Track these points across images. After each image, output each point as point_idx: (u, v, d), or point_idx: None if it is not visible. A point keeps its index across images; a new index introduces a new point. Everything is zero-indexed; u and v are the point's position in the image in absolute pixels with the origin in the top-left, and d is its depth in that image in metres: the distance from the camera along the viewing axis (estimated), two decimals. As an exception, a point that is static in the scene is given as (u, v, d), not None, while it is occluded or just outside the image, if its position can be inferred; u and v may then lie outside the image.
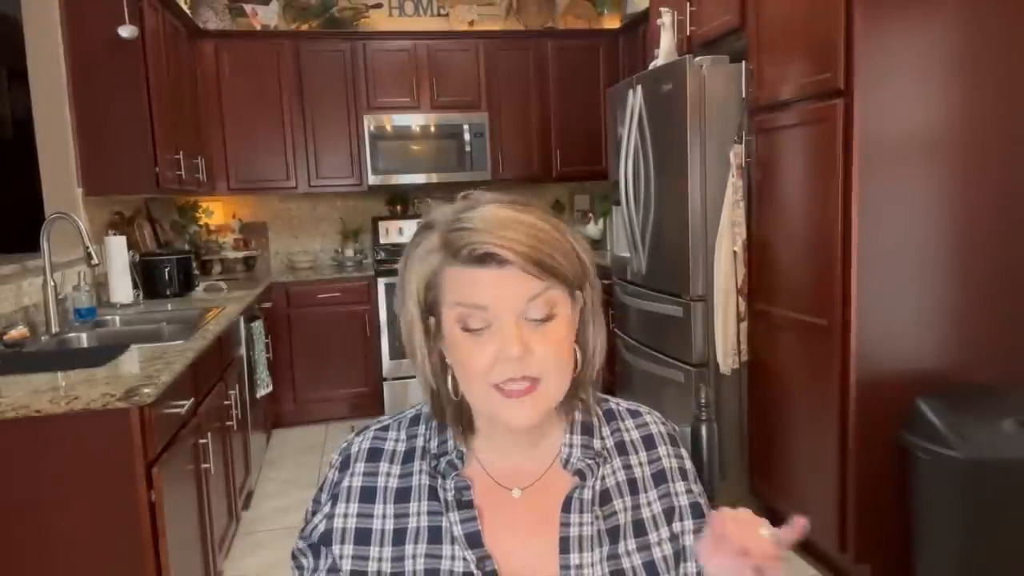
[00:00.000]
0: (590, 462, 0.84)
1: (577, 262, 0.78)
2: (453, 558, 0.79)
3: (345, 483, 0.84)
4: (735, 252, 2.61)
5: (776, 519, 0.70)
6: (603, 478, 0.84)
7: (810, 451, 2.39)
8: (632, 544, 0.82)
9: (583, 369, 0.82)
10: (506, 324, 0.73)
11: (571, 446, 0.84)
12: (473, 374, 0.75)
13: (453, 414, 0.82)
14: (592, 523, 0.81)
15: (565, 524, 0.81)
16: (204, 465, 2.22)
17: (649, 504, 0.84)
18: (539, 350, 0.74)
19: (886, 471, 2.16)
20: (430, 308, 0.78)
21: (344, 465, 0.85)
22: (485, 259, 0.72)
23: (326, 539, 0.82)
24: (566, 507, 0.81)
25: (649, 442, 0.88)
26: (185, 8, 3.95)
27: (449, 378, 0.80)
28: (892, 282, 2.16)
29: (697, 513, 0.85)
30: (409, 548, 0.80)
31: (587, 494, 0.82)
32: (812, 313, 2.32)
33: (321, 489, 0.86)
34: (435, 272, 0.76)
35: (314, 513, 0.85)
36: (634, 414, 0.90)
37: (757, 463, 2.73)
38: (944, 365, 2.20)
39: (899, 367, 2.18)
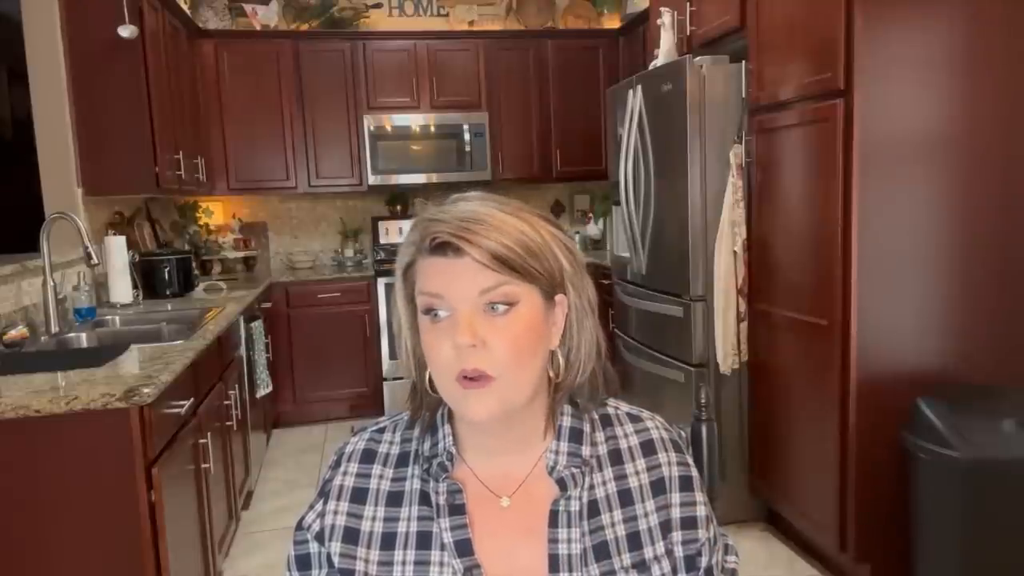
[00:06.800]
0: (575, 471, 0.81)
1: (552, 263, 0.77)
2: (442, 564, 0.78)
3: (336, 481, 0.84)
4: (735, 252, 2.61)
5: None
6: (591, 488, 0.81)
7: (810, 451, 2.39)
8: (627, 559, 0.79)
9: (566, 373, 0.81)
10: (461, 314, 0.74)
11: (557, 453, 0.81)
12: (437, 365, 0.76)
13: (429, 411, 0.83)
14: (580, 539, 0.79)
15: (553, 540, 0.78)
16: (204, 465, 2.22)
17: (646, 515, 0.81)
18: (493, 343, 0.73)
19: (886, 471, 2.16)
20: (410, 300, 0.79)
21: (336, 464, 0.85)
22: (442, 248, 0.74)
23: (321, 537, 0.82)
24: (553, 521, 0.79)
25: (648, 448, 0.84)
26: (185, 8, 3.96)
27: (426, 374, 0.80)
28: (892, 282, 2.16)
29: (688, 524, 0.82)
30: (398, 554, 0.79)
31: (574, 506, 0.80)
32: (812, 313, 2.32)
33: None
34: (410, 264, 0.78)
35: (310, 508, 0.85)
36: (634, 419, 0.87)
37: (757, 463, 2.73)
38: (944, 365, 2.20)
39: (899, 367, 2.18)
